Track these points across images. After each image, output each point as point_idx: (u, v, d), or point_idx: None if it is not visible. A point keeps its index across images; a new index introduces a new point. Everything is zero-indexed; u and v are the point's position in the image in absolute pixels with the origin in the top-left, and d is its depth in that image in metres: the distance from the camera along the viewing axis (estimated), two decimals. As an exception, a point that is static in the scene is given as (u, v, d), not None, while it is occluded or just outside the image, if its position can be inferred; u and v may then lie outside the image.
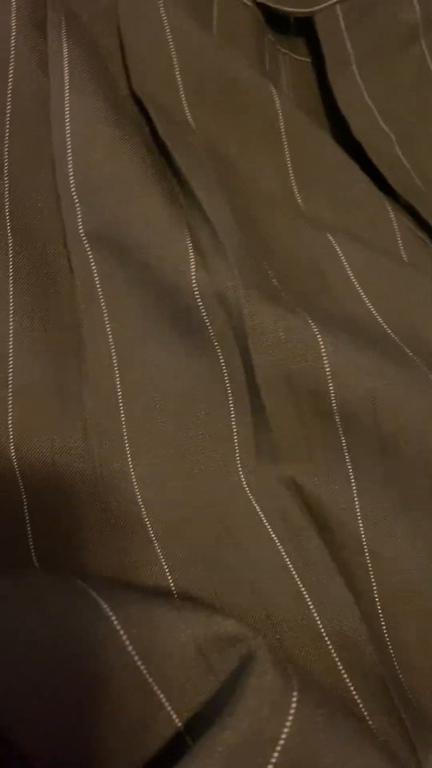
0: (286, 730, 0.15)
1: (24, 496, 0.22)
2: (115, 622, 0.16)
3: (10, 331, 0.23)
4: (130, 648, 0.16)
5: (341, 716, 0.16)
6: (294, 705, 0.15)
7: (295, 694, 0.15)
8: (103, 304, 0.24)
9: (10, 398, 0.23)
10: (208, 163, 0.26)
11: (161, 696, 0.16)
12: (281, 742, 0.15)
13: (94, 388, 0.23)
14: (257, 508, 0.23)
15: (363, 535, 0.23)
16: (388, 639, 0.22)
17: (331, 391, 0.23)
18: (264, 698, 0.15)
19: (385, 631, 0.22)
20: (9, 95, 0.25)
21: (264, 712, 0.15)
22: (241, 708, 0.15)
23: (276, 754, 0.15)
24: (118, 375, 0.24)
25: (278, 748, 0.15)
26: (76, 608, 0.16)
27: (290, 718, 0.15)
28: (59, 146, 0.24)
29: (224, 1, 0.31)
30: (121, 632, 0.16)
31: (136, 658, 0.16)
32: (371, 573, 0.23)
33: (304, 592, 0.21)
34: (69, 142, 0.24)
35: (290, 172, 0.28)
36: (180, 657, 0.16)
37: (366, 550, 0.23)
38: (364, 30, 0.34)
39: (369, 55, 0.34)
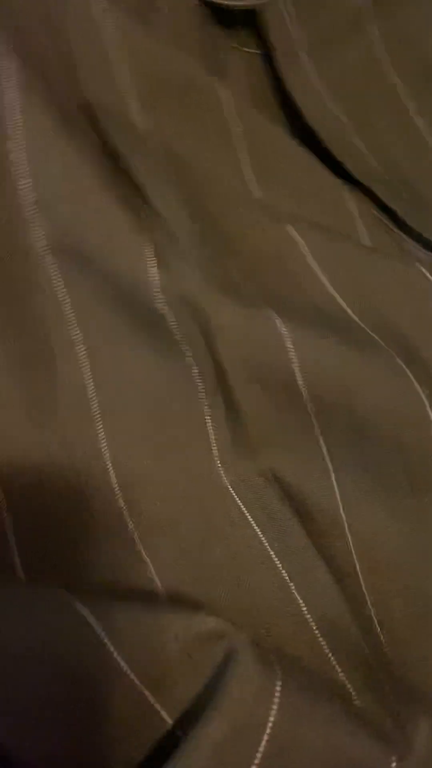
0: (271, 717, 0.15)
1: (6, 507, 0.22)
2: (98, 629, 0.17)
3: None
4: (115, 654, 0.16)
5: (325, 699, 0.16)
6: (278, 693, 0.16)
7: (278, 682, 0.16)
8: (71, 313, 0.25)
9: None
10: (163, 165, 0.26)
11: (151, 699, 0.16)
12: (268, 729, 0.15)
13: (68, 398, 0.24)
14: (239, 501, 0.23)
15: (344, 518, 0.24)
16: (374, 618, 0.22)
17: (301, 381, 0.23)
18: (248, 689, 0.16)
19: (371, 610, 0.22)
20: None
21: (249, 703, 0.15)
22: (227, 700, 0.15)
23: (264, 742, 0.15)
24: (92, 382, 0.24)
25: (265, 736, 0.15)
26: (60, 619, 0.17)
27: (275, 706, 0.15)
28: (17, 162, 0.25)
29: (168, 3, 0.31)
30: (106, 639, 0.16)
31: (122, 663, 0.16)
32: (355, 555, 0.23)
33: (288, 581, 0.22)
34: (26, 158, 0.24)
35: (248, 166, 0.28)
36: (165, 658, 0.17)
37: (348, 533, 0.24)
38: (310, 17, 0.34)
39: (318, 42, 0.34)
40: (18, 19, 0.27)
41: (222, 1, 0.33)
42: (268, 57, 0.35)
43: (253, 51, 0.36)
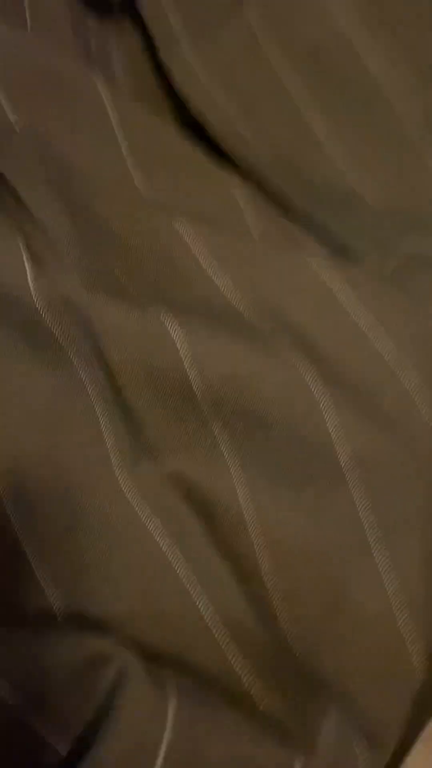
0: (165, 736, 0.15)
1: None
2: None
3: None
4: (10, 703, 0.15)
5: (226, 711, 0.16)
6: (171, 711, 0.15)
7: (172, 699, 0.15)
8: None
9: None
10: (36, 166, 0.25)
11: (40, 730, 0.15)
12: (162, 749, 0.15)
13: None
14: (137, 510, 0.23)
15: (245, 516, 0.23)
16: (279, 614, 0.22)
17: (192, 380, 0.23)
18: (140, 710, 0.15)
19: (277, 606, 0.22)
20: None
21: (142, 723, 0.15)
22: (120, 724, 0.15)
23: (159, 760, 0.15)
24: None
25: (161, 755, 0.15)
26: None
27: (168, 725, 0.15)
28: None
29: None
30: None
31: (6, 693, 0.15)
32: (260, 551, 0.23)
33: (188, 586, 0.21)
34: None
35: (127, 161, 0.28)
36: (56, 686, 0.16)
37: (252, 530, 0.23)
38: (188, 5, 0.34)
39: (196, 30, 0.34)
40: None
41: (94, -9, 0.32)
42: (148, 46, 0.34)
43: (133, 40, 0.35)
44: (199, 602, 0.21)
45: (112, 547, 0.22)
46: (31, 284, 0.23)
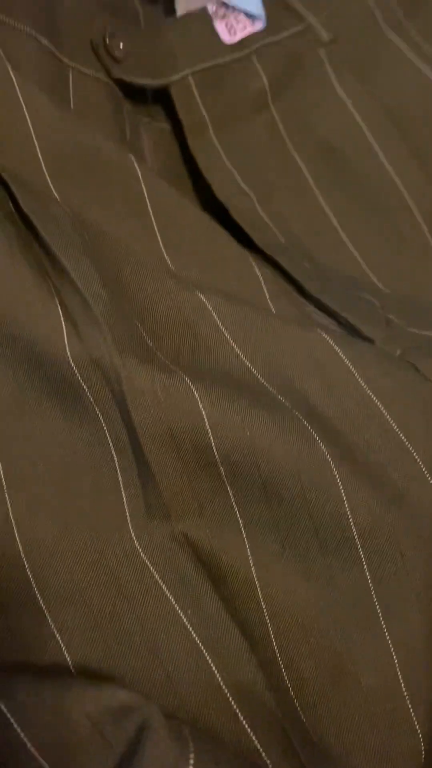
0: (185, 793, 0.15)
1: None
2: (5, 710, 0.16)
3: None
4: (22, 736, 0.16)
5: (240, 771, 0.16)
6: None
7: (191, 756, 0.16)
8: None
9: None
10: (73, 232, 0.26)
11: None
12: (182, 807, 0.15)
13: None
14: (152, 568, 0.23)
15: (256, 581, 0.24)
16: (287, 680, 0.22)
17: (213, 443, 0.24)
18: (161, 765, 0.15)
19: (283, 672, 0.22)
20: None
21: (163, 780, 0.15)
22: (140, 779, 0.15)
23: None
24: None
25: None
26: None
27: (188, 781, 0.15)
28: None
29: (79, 78, 0.33)
30: (12, 720, 0.16)
31: (28, 744, 0.16)
32: (267, 618, 0.23)
33: (202, 648, 0.21)
34: None
35: (157, 235, 0.29)
36: (76, 738, 0.16)
37: (260, 596, 0.24)
38: (217, 97, 0.37)
39: (224, 120, 0.36)
40: None
41: (133, 80, 0.34)
42: (177, 131, 0.37)
43: (163, 125, 0.37)
44: (213, 664, 0.21)
45: (124, 602, 0.22)
46: (66, 343, 0.24)
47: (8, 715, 0.16)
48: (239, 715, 0.20)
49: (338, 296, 0.31)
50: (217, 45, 0.37)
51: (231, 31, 0.37)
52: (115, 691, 0.17)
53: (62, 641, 0.21)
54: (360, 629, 0.24)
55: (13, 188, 0.26)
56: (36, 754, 0.15)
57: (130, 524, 0.24)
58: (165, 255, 0.29)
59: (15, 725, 0.15)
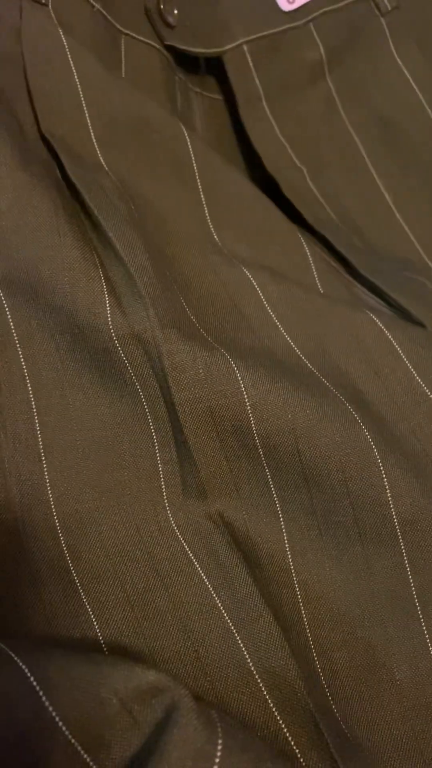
0: (211, 779, 0.15)
1: None
2: (34, 683, 0.16)
3: None
4: (51, 709, 0.15)
5: (267, 758, 0.16)
6: (219, 753, 0.15)
7: (219, 741, 0.15)
8: (18, 348, 0.24)
9: None
10: (120, 203, 0.26)
11: (86, 757, 0.15)
12: (207, 792, 0.15)
13: (12, 435, 0.23)
14: (186, 547, 0.23)
15: (292, 567, 0.23)
16: (319, 669, 0.22)
17: (253, 425, 0.23)
18: (188, 749, 0.15)
19: (316, 661, 0.22)
20: None
21: (189, 763, 0.15)
22: (166, 761, 0.15)
23: (204, 805, 0.15)
24: (37, 421, 0.23)
25: (205, 799, 0.15)
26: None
27: (215, 766, 0.15)
28: None
29: (131, 44, 0.32)
30: (41, 693, 0.16)
31: (57, 719, 0.15)
32: (301, 604, 0.23)
33: (234, 631, 0.21)
34: None
35: (205, 208, 0.29)
36: (103, 713, 0.16)
37: (295, 581, 0.23)
38: (271, 67, 0.36)
39: (278, 91, 0.35)
40: None
41: (186, 48, 0.33)
42: (230, 102, 0.36)
43: (215, 96, 0.36)
44: (244, 648, 0.21)
45: (157, 580, 0.22)
46: (109, 316, 0.23)
47: (38, 689, 0.15)
48: (269, 701, 0.20)
49: (389, 276, 0.30)
50: (275, 13, 0.36)
51: (289, -2, 0.36)
52: (145, 672, 0.16)
53: (94, 616, 0.21)
54: (396, 621, 0.23)
55: (61, 156, 0.26)
56: (64, 729, 0.15)
57: (166, 501, 0.23)
58: (212, 229, 0.28)
59: (45, 699, 0.15)
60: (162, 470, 0.24)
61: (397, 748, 0.21)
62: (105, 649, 0.20)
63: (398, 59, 0.36)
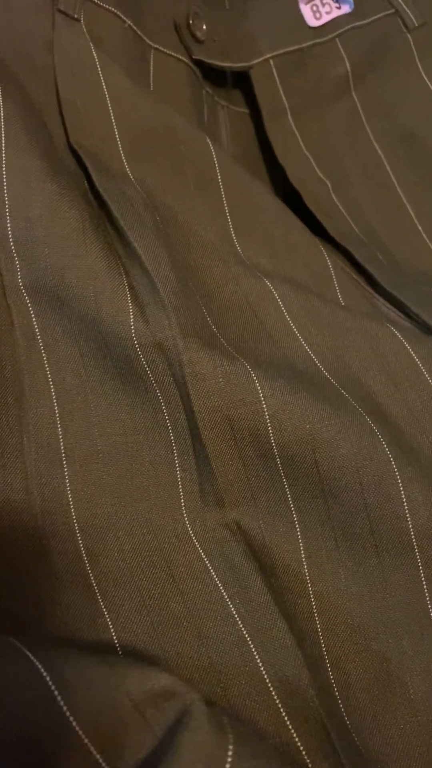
0: (221, 785, 0.15)
1: None
2: (50, 683, 0.16)
3: None
4: (65, 709, 0.16)
5: (278, 766, 0.16)
6: (230, 758, 0.15)
7: (230, 747, 0.15)
8: (43, 354, 0.24)
9: None
10: (145, 213, 0.26)
11: (98, 757, 0.16)
12: (217, 797, 0.15)
13: (34, 439, 0.23)
14: (202, 554, 0.23)
15: (307, 577, 0.23)
16: (333, 680, 0.22)
17: (271, 435, 0.23)
18: (199, 753, 0.15)
19: (330, 672, 0.22)
20: None
21: (199, 767, 0.15)
22: (177, 764, 0.15)
23: (213, 810, 0.15)
24: (59, 425, 0.24)
25: (215, 804, 0.15)
26: (10, 669, 0.16)
27: (225, 773, 0.15)
28: None
29: (160, 58, 0.32)
30: (56, 693, 0.16)
31: (71, 719, 0.16)
32: (316, 614, 0.23)
33: (248, 639, 0.21)
34: (7, 199, 0.25)
35: (228, 220, 0.29)
36: (115, 715, 0.16)
37: (310, 592, 0.23)
38: (297, 82, 0.36)
39: (303, 106, 0.36)
40: (7, 62, 0.27)
41: (214, 62, 0.34)
42: (255, 116, 0.36)
43: (241, 110, 0.37)
44: (258, 656, 0.21)
45: (173, 586, 0.22)
46: (132, 324, 0.24)
47: (54, 689, 0.16)
48: (281, 710, 0.20)
49: (411, 291, 0.30)
50: (301, 28, 0.36)
51: (316, 14, 0.36)
52: (158, 675, 0.17)
53: (110, 619, 0.21)
54: (411, 635, 0.23)
55: (89, 167, 0.26)
56: (78, 728, 0.15)
57: (183, 508, 0.24)
58: (234, 240, 0.29)
59: (60, 699, 0.16)
60: (180, 477, 0.24)
61: (409, 761, 0.21)
62: (120, 652, 0.21)
63: (424, 75, 0.37)
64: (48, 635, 0.21)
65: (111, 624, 0.21)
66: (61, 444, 0.24)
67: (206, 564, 0.23)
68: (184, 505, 0.24)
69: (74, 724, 0.16)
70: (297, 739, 0.19)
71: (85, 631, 0.21)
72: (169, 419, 0.24)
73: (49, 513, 0.23)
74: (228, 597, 0.22)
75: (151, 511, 0.23)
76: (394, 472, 0.23)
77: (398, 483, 0.23)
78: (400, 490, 0.22)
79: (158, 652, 0.21)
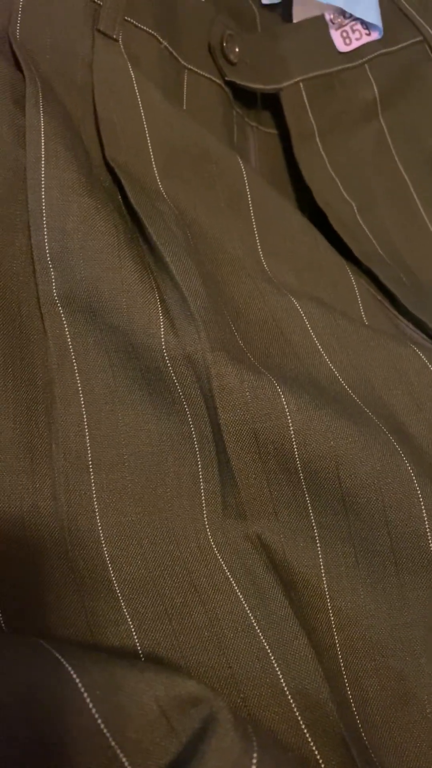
0: (246, 792, 0.15)
1: None
2: (80, 685, 0.16)
3: None
4: (93, 711, 0.16)
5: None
6: (254, 766, 0.15)
7: (255, 755, 0.16)
8: (74, 363, 0.25)
9: None
10: (177, 229, 0.27)
11: (124, 760, 0.16)
12: (242, 804, 0.15)
13: (63, 446, 0.24)
14: (224, 565, 0.23)
15: (327, 592, 0.24)
16: (350, 696, 0.22)
17: (295, 449, 0.24)
18: (225, 759, 0.15)
19: (347, 687, 0.22)
20: None
21: (225, 774, 0.15)
22: (203, 770, 0.15)
23: None
24: (87, 433, 0.24)
25: (239, 810, 0.15)
26: (40, 670, 0.17)
27: (251, 779, 0.15)
28: (35, 214, 0.25)
29: (193, 78, 0.33)
30: (85, 695, 0.16)
31: (99, 721, 0.16)
32: (334, 630, 0.23)
33: (268, 650, 0.21)
34: (44, 211, 0.25)
35: (256, 238, 0.29)
36: (143, 719, 0.16)
37: (329, 607, 0.24)
38: (326, 105, 0.37)
39: (331, 128, 0.36)
40: (49, 78, 0.28)
41: (245, 84, 0.35)
42: (283, 137, 0.37)
43: (270, 131, 0.38)
44: (278, 668, 0.21)
45: (195, 596, 0.23)
46: (163, 337, 0.24)
47: (83, 691, 0.16)
48: (301, 722, 0.20)
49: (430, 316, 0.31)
50: (331, 53, 0.37)
51: (346, 40, 0.37)
52: (186, 681, 0.17)
53: (133, 626, 0.21)
54: (429, 653, 0.23)
55: (124, 182, 0.27)
56: (106, 731, 0.16)
57: (206, 519, 0.24)
58: (262, 257, 0.29)
59: (89, 701, 0.16)
60: (203, 489, 0.24)
61: None
62: (143, 659, 0.21)
63: None
64: (73, 640, 0.21)
65: (134, 630, 0.21)
66: (89, 452, 0.24)
67: (227, 575, 0.23)
68: (207, 517, 0.24)
69: (102, 726, 0.16)
70: (317, 752, 0.19)
71: (110, 637, 0.21)
72: (194, 431, 0.25)
73: (75, 519, 0.23)
74: (249, 608, 0.22)
75: (174, 521, 0.24)
76: (416, 490, 0.23)
77: (420, 501, 0.23)
78: (422, 509, 0.23)
79: (179, 661, 0.21)
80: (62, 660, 0.17)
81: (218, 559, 0.23)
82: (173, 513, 0.24)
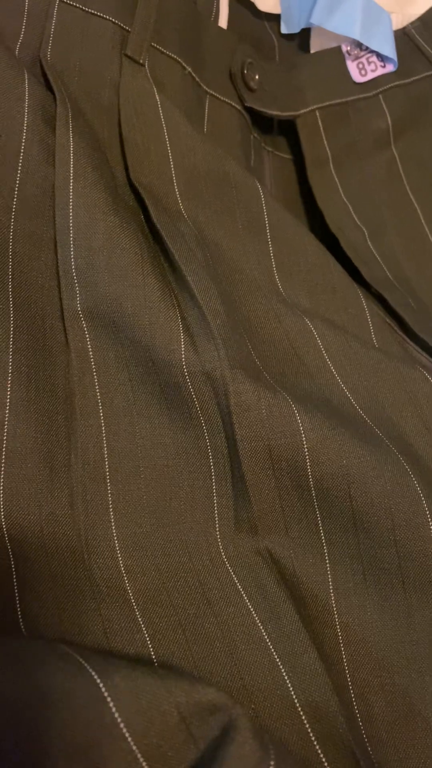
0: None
1: (12, 562, 0.23)
2: (103, 689, 0.17)
3: (7, 400, 0.24)
4: (116, 716, 0.16)
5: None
6: (271, 774, 0.16)
7: (272, 763, 0.16)
8: (95, 376, 0.26)
9: (3, 465, 0.24)
10: (197, 250, 0.28)
11: (144, 765, 0.16)
12: None
13: (82, 457, 0.24)
14: (235, 579, 0.24)
15: (335, 608, 0.24)
16: (357, 711, 0.23)
17: (309, 467, 0.24)
18: (243, 767, 0.16)
19: (354, 702, 0.23)
20: (17, 184, 0.27)
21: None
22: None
23: None
24: (105, 445, 0.25)
25: None
26: (65, 674, 0.17)
27: (268, 787, 0.16)
28: (62, 231, 0.26)
29: (215, 104, 0.34)
30: (108, 699, 0.17)
31: (122, 725, 0.16)
32: (341, 645, 0.24)
33: (279, 663, 0.22)
34: (72, 228, 0.26)
35: (272, 260, 0.30)
36: (163, 724, 0.17)
37: (337, 623, 0.24)
38: (340, 133, 0.38)
39: (345, 156, 0.37)
40: (78, 100, 0.29)
41: (264, 110, 0.36)
42: (298, 162, 0.38)
43: (285, 156, 0.39)
44: (289, 680, 0.21)
45: (207, 607, 0.23)
46: (183, 353, 0.25)
47: (107, 695, 0.16)
48: (311, 734, 0.20)
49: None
50: (347, 83, 0.38)
51: (362, 71, 0.38)
52: (205, 688, 0.17)
53: (148, 635, 0.22)
54: None
55: (147, 203, 0.28)
56: (128, 736, 0.16)
57: (218, 532, 0.25)
58: (277, 279, 0.30)
59: (111, 705, 0.16)
60: (216, 503, 0.25)
61: None
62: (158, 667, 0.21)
63: None
64: (90, 647, 0.21)
65: (149, 639, 0.22)
66: (106, 463, 0.25)
67: (239, 588, 0.24)
68: (219, 530, 0.25)
69: (125, 731, 0.16)
70: (326, 764, 0.20)
71: (125, 645, 0.22)
72: (210, 445, 0.25)
73: (92, 528, 0.24)
74: (260, 621, 0.23)
75: (187, 533, 0.24)
76: (425, 510, 0.24)
77: (428, 521, 0.23)
78: (430, 530, 0.23)
79: (192, 671, 0.22)
80: (85, 665, 0.17)
81: (230, 572, 0.24)
82: (186, 525, 0.25)
